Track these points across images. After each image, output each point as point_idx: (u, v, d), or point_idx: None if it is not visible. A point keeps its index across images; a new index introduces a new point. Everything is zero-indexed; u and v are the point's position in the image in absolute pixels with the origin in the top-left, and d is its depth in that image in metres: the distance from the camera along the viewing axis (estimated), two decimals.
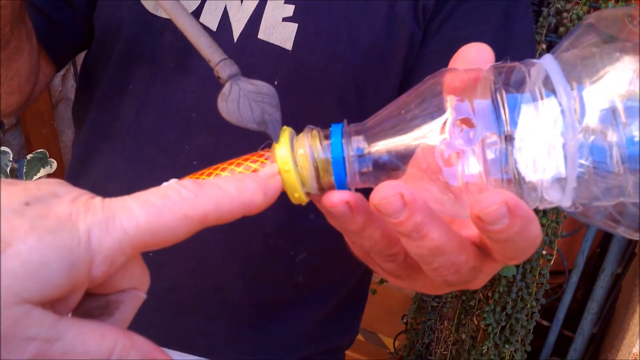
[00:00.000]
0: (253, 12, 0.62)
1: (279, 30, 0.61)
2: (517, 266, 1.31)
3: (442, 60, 0.64)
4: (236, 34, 0.62)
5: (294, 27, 0.61)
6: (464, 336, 1.45)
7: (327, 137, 0.32)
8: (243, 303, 0.71)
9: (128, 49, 0.65)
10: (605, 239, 1.52)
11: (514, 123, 0.29)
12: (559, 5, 1.25)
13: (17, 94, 0.62)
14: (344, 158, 0.32)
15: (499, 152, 0.29)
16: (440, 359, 1.51)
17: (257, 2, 0.62)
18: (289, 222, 0.68)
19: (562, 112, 0.28)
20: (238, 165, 0.33)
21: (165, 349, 0.72)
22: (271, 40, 0.61)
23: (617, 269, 1.37)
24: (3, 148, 1.39)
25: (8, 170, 1.39)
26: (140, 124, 0.66)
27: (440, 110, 0.30)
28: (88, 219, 0.25)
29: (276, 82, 0.62)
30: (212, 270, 0.68)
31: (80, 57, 0.77)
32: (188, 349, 0.72)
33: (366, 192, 0.31)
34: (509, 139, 0.29)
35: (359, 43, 0.62)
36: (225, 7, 0.62)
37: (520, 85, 0.30)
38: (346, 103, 0.64)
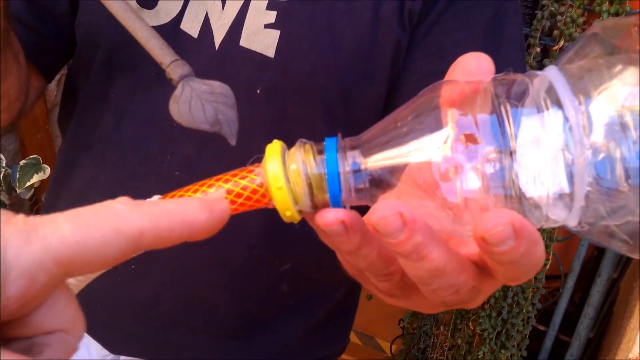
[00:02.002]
0: (235, 18, 0.61)
1: (261, 38, 0.60)
2: None
3: (431, 66, 0.64)
4: (217, 41, 0.61)
5: (276, 34, 0.60)
6: (459, 341, 1.45)
7: (320, 152, 0.31)
8: (228, 314, 0.70)
9: (108, 57, 0.64)
10: None
11: (520, 139, 0.28)
12: (552, 9, 1.24)
13: (7, 112, 0.61)
14: (339, 174, 0.30)
15: (500, 167, 0.28)
16: None
17: (238, 8, 0.61)
18: (273, 232, 0.66)
19: (570, 127, 0.27)
20: (226, 181, 0.31)
21: None
22: (253, 48, 0.61)
23: (613, 274, 1.37)
24: None
25: (1, 176, 1.38)
26: (121, 133, 0.65)
27: (441, 125, 0.29)
28: (6, 230, 0.22)
29: (259, 90, 0.61)
30: (195, 281, 0.67)
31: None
32: None
33: (359, 208, 0.30)
34: (513, 154, 0.28)
35: (343, 49, 0.61)
36: (207, 14, 0.61)
37: (522, 98, 0.28)
38: (331, 110, 0.63)
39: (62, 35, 0.68)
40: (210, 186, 0.31)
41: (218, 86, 0.34)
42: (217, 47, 0.61)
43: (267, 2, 0.60)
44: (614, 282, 1.43)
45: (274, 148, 0.31)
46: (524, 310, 1.33)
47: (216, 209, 0.28)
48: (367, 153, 0.30)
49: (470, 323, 1.42)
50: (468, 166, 0.28)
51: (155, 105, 0.64)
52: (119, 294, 0.69)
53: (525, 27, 1.32)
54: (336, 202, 0.30)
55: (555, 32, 1.26)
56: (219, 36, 0.61)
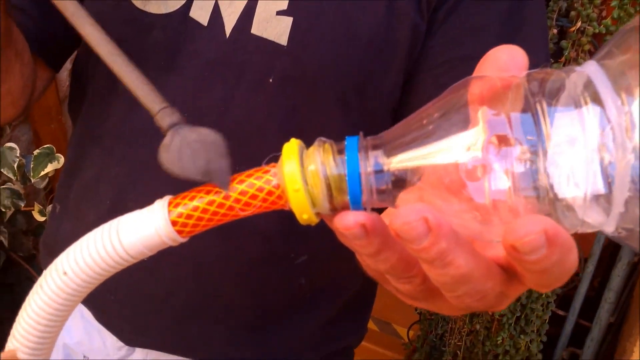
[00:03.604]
0: (245, 5, 0.59)
1: (273, 25, 0.59)
2: None
3: (449, 52, 0.62)
4: (228, 29, 0.59)
5: (288, 21, 0.58)
6: (478, 327, 1.44)
7: (341, 151, 0.29)
8: (244, 307, 0.69)
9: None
10: None
11: (555, 137, 0.26)
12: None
13: (12, 108, 0.61)
14: (360, 175, 0.28)
15: (533, 167, 0.26)
16: (454, 350, 1.49)
17: None
18: (289, 224, 0.65)
19: (612, 128, 0.25)
20: (240, 182, 0.30)
21: (166, 354, 0.71)
22: (265, 36, 0.59)
23: (634, 258, 1.34)
24: (9, 144, 1.38)
25: (15, 166, 1.38)
26: (130, 126, 0.64)
27: (471, 124, 0.27)
28: None
29: (271, 80, 0.59)
30: (212, 274, 0.67)
31: None
32: (189, 354, 0.71)
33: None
34: (547, 154, 0.26)
35: (358, 37, 0.59)
36: (216, 1, 0.60)
37: (558, 95, 0.27)
38: (345, 101, 0.61)
39: (68, 25, 0.67)
40: None
41: (208, 134, 0.33)
42: (227, 35, 0.59)
43: None
44: (635, 266, 1.41)
45: (292, 147, 0.30)
46: (544, 295, 1.31)
47: None
48: (390, 153, 0.29)
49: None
50: (497, 167, 0.26)
51: (165, 97, 0.63)
52: (134, 286, 0.68)
53: None
54: (356, 204, 0.29)
55: (572, 13, 1.23)
56: (229, 24, 0.59)
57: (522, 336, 1.35)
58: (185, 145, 0.32)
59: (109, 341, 0.73)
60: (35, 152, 1.41)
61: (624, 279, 1.36)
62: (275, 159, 0.30)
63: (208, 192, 0.30)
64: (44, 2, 0.64)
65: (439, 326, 1.51)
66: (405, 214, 0.25)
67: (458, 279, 0.27)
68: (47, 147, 1.41)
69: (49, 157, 1.41)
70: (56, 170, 1.43)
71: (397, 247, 0.29)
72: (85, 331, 0.75)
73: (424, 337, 1.57)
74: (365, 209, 0.29)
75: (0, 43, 0.50)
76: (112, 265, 0.31)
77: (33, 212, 1.49)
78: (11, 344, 0.32)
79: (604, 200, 0.26)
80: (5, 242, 1.46)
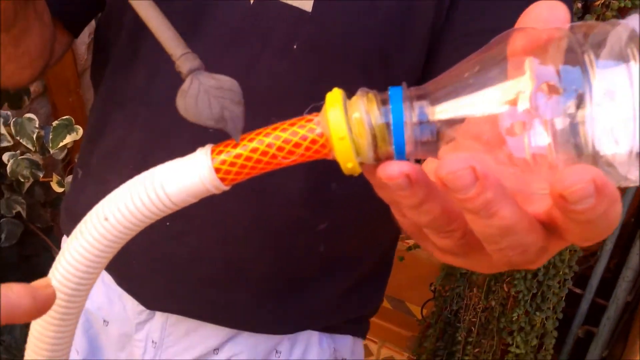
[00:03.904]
0: None
1: None
2: None
3: (471, 23, 0.61)
4: None
5: None
6: (493, 303, 1.44)
7: (384, 102, 0.29)
8: (265, 273, 0.70)
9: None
10: None
11: (601, 89, 0.25)
12: None
13: (29, 68, 0.61)
14: (404, 125, 0.28)
15: (575, 122, 0.26)
16: (468, 326, 1.49)
17: None
18: (311, 192, 0.66)
19: None
20: (284, 130, 0.30)
21: (188, 319, 0.72)
22: (289, 2, 0.58)
23: None
24: (29, 115, 1.39)
25: (34, 137, 1.39)
26: (152, 92, 0.64)
27: (517, 74, 0.27)
28: None
29: (295, 46, 0.59)
30: (234, 241, 0.67)
31: None
32: (209, 319, 0.72)
33: None
34: (592, 108, 0.26)
35: (382, 5, 0.58)
36: None
37: (601, 46, 0.26)
38: (369, 69, 0.60)
39: None
40: (267, 135, 0.30)
41: (226, 81, 0.33)
42: (252, 1, 0.59)
43: None
44: None
45: (335, 96, 0.29)
46: (561, 273, 1.31)
47: (40, 295, 0.29)
48: (435, 103, 0.28)
49: (504, 285, 1.41)
50: (537, 121, 0.26)
51: None
52: (156, 251, 0.68)
53: None
54: (401, 155, 0.29)
55: None
56: None
57: (537, 313, 1.35)
58: (202, 91, 0.32)
59: (129, 305, 0.74)
60: (54, 123, 1.41)
61: None
62: (317, 109, 0.30)
63: (251, 140, 0.30)
64: None
65: (453, 302, 1.51)
66: (452, 162, 0.25)
67: (503, 231, 0.27)
68: (66, 118, 1.42)
69: (68, 128, 1.41)
70: (75, 141, 1.43)
71: (440, 198, 0.28)
72: (106, 296, 0.76)
73: (439, 313, 1.57)
74: (408, 160, 0.29)
75: (16, 4, 0.50)
76: (155, 212, 0.31)
77: (51, 183, 1.50)
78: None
79: None
80: (24, 214, 1.47)
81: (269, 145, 0.30)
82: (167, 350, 0.74)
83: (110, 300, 0.76)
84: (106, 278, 0.75)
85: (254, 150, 0.30)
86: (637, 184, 0.27)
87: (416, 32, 0.60)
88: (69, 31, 0.68)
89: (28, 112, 1.46)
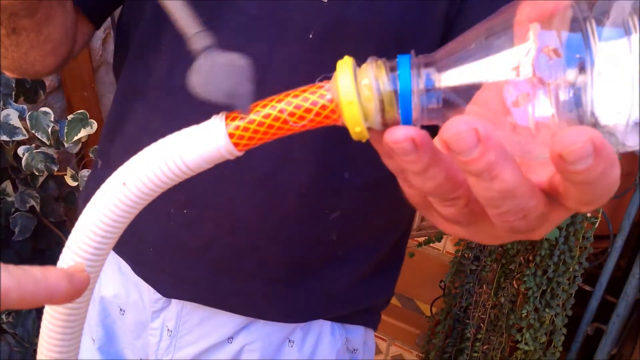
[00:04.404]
0: None
1: None
2: (560, 229, 1.29)
3: (485, 12, 0.62)
4: None
5: None
6: (503, 300, 1.44)
7: (393, 69, 0.30)
8: (278, 261, 0.71)
9: (158, 4, 0.64)
10: None
11: (601, 58, 0.26)
12: None
13: (52, 56, 0.62)
14: (412, 91, 0.29)
15: (575, 91, 0.27)
16: (478, 323, 1.50)
17: None
18: (323, 181, 0.67)
19: None
20: (295, 97, 0.31)
21: (201, 305, 0.73)
22: None
23: None
24: (44, 109, 1.41)
25: (50, 130, 1.41)
26: (173, 81, 0.65)
27: (522, 40, 0.28)
28: None
29: (311, 35, 0.60)
30: (247, 228, 0.68)
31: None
32: (223, 306, 0.73)
33: None
34: (593, 75, 0.26)
35: None
36: None
37: (605, 16, 0.27)
38: (384, 55, 0.61)
39: None
40: (279, 101, 0.31)
41: (238, 59, 0.34)
42: None
43: None
44: None
45: (346, 63, 0.30)
46: (570, 269, 1.31)
47: (76, 279, 0.30)
48: (441, 70, 0.29)
49: (514, 282, 1.41)
50: (540, 89, 0.27)
51: None
52: (171, 238, 0.70)
53: None
54: (407, 120, 0.29)
55: None
56: None
57: (547, 310, 1.35)
58: (214, 69, 0.33)
59: (146, 294, 0.75)
60: (69, 117, 1.43)
61: None
62: (328, 78, 0.31)
63: (264, 106, 0.31)
64: None
65: (463, 299, 1.52)
66: (456, 124, 0.26)
67: (504, 193, 0.28)
68: (81, 112, 1.43)
69: (83, 122, 1.43)
70: (89, 136, 1.45)
71: (445, 164, 0.29)
72: (122, 285, 0.77)
73: (448, 310, 1.57)
74: (415, 126, 0.29)
75: None
76: (171, 177, 0.32)
77: (65, 177, 1.52)
78: (66, 255, 0.33)
79: None
80: (37, 208, 1.49)
81: (281, 111, 0.31)
82: (182, 339, 0.75)
83: (127, 288, 0.77)
84: (123, 266, 0.76)
85: (266, 116, 0.31)
86: (636, 149, 0.28)
87: (430, 18, 0.61)
88: (90, 21, 0.69)
89: (43, 106, 1.48)
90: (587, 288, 1.46)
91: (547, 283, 1.34)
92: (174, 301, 0.74)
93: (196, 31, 0.36)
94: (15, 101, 1.43)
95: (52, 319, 0.35)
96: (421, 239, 1.58)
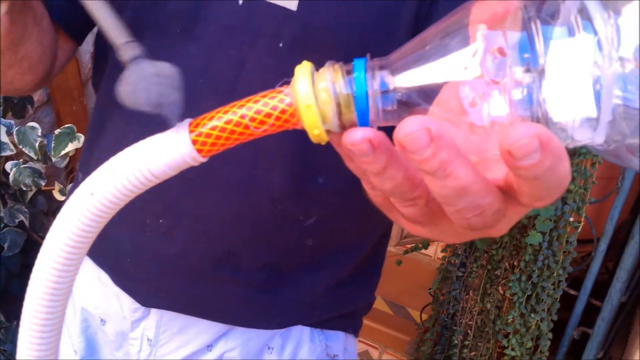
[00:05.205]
0: None
1: None
2: (544, 234, 1.30)
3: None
4: None
5: None
6: (489, 306, 1.45)
7: (349, 72, 0.31)
8: (254, 267, 0.72)
9: (134, 16, 0.65)
10: (636, 205, 1.49)
11: (550, 56, 0.27)
12: None
13: (30, 74, 0.63)
14: (367, 94, 0.30)
15: (528, 89, 0.27)
16: (465, 329, 1.50)
17: None
18: (297, 187, 0.67)
19: (599, 41, 0.26)
20: (256, 102, 0.31)
21: (180, 314, 0.74)
22: (275, 1, 0.61)
23: None
24: (31, 124, 1.42)
25: (37, 145, 1.42)
26: None
27: (470, 41, 0.28)
28: None
29: (281, 44, 0.62)
30: (222, 235, 0.69)
31: None
32: (201, 314, 0.73)
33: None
34: (541, 74, 0.27)
35: (366, 4, 0.61)
36: None
37: (554, 16, 0.28)
38: None
39: None
40: (240, 107, 0.31)
41: (164, 68, 0.35)
42: (240, 2, 0.62)
43: None
44: None
45: (304, 68, 0.31)
46: (555, 274, 1.32)
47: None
48: (395, 72, 0.30)
49: (500, 287, 1.42)
50: (494, 89, 0.28)
51: (180, 63, 0.64)
52: (148, 248, 0.71)
53: None
54: (364, 122, 0.30)
55: None
56: None
57: (532, 315, 1.36)
58: (141, 79, 0.34)
59: (126, 303, 0.76)
60: (56, 131, 1.44)
61: (636, 259, 1.36)
62: (288, 82, 0.32)
63: (225, 112, 0.32)
64: None
65: (450, 306, 1.52)
66: (409, 124, 0.27)
67: (458, 191, 0.28)
68: (68, 126, 1.45)
69: (70, 136, 1.44)
70: (77, 150, 1.46)
71: (402, 164, 0.30)
72: (103, 295, 0.78)
73: (436, 317, 1.58)
74: (372, 127, 0.30)
75: (12, 11, 0.51)
76: (138, 185, 0.33)
77: (54, 191, 1.53)
78: (38, 266, 0.34)
79: (594, 120, 0.27)
80: (27, 223, 1.50)
81: (242, 117, 0.31)
82: (162, 348, 0.76)
83: (108, 299, 0.77)
84: (103, 277, 0.77)
85: (228, 122, 0.31)
86: (584, 143, 0.29)
87: (398, 26, 0.62)
88: (72, 37, 0.70)
89: (33, 120, 1.49)
90: (573, 292, 1.47)
91: (532, 288, 1.35)
92: (153, 310, 0.75)
93: (125, 41, 0.36)
94: (3, 117, 1.44)
95: (31, 317, 0.35)
96: (409, 246, 1.59)
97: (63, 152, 1.44)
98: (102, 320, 0.79)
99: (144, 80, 0.34)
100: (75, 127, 1.46)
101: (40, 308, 0.35)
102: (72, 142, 1.44)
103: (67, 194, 1.50)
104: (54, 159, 1.44)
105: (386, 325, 2.07)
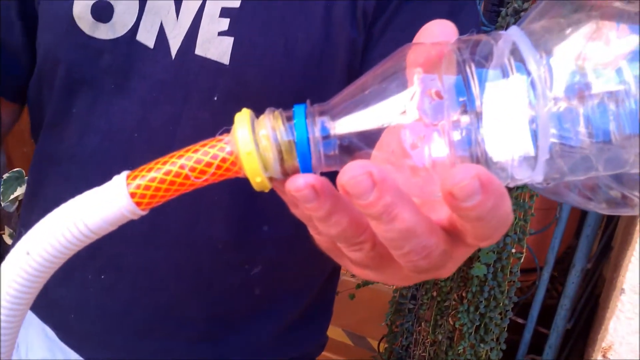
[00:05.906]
0: (189, 27, 0.62)
1: (216, 45, 0.61)
2: (488, 265, 1.33)
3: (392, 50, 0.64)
4: (174, 51, 0.63)
5: (229, 40, 0.61)
6: (440, 337, 1.47)
7: (289, 118, 0.30)
8: (199, 318, 0.72)
9: (68, 73, 0.65)
10: (576, 235, 1.54)
11: (486, 98, 0.27)
12: (516, 5, 1.26)
13: None
14: (308, 140, 0.30)
15: (466, 131, 0.28)
16: None
17: (192, 17, 0.62)
18: (242, 236, 0.68)
19: (532, 81, 0.27)
20: (195, 151, 0.31)
21: None
22: (208, 56, 0.62)
23: (587, 265, 1.39)
24: None
25: None
26: (84, 148, 0.67)
27: (407, 85, 0.29)
28: None
29: (215, 98, 0.62)
30: (165, 287, 0.69)
31: None
32: None
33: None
34: (478, 115, 0.27)
35: (296, 53, 0.62)
36: (162, 24, 0.63)
37: (488, 58, 0.28)
38: None
39: (21, 62, 0.69)
40: (180, 157, 0.31)
41: None
42: (173, 56, 0.63)
43: (219, 9, 0.61)
44: (591, 272, 1.46)
45: (243, 116, 0.31)
46: (501, 304, 1.35)
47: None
48: (335, 117, 0.30)
49: (449, 318, 1.45)
50: (434, 131, 0.28)
51: (115, 119, 0.65)
52: (91, 305, 0.70)
53: (490, 24, 1.35)
54: (306, 168, 0.30)
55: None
56: (174, 46, 0.63)
57: (482, 345, 1.38)
58: None
59: (72, 358, 0.75)
60: (5, 175, 1.43)
61: (577, 286, 1.40)
62: (229, 130, 0.31)
63: (164, 163, 0.31)
64: None
65: (403, 338, 1.54)
66: (351, 169, 0.27)
67: (404, 234, 0.29)
68: (17, 170, 1.43)
69: (19, 180, 1.42)
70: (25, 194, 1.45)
71: (347, 209, 0.30)
72: (49, 350, 0.77)
73: (390, 349, 1.60)
74: (315, 173, 0.30)
75: None
76: (75, 243, 0.32)
77: (4, 235, 1.51)
78: None
79: (532, 158, 0.28)
80: None
81: (182, 167, 0.31)
82: None
83: (53, 353, 0.77)
84: (49, 331, 0.76)
85: (167, 173, 0.31)
86: (524, 182, 0.30)
87: (332, 75, 0.63)
88: (13, 102, 0.71)
89: None
90: (520, 321, 1.50)
91: (480, 319, 1.37)
92: None
93: None
94: None
95: None
96: (360, 280, 1.61)
97: (12, 197, 1.42)
98: None
99: None
100: (24, 171, 1.44)
101: None
102: (20, 187, 1.42)
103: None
104: (3, 204, 1.42)
105: (346, 356, 2.06)
